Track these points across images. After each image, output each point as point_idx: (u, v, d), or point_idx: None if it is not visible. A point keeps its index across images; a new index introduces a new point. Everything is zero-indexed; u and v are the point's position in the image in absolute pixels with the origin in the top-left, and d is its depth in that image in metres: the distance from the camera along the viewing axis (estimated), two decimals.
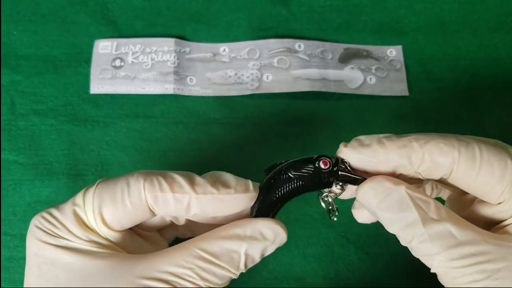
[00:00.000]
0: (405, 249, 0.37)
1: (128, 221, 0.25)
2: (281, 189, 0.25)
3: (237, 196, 0.24)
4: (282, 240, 0.25)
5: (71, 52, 0.41)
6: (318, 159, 0.25)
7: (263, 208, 0.25)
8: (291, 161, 0.25)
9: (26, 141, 0.38)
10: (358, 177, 0.25)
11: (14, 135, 0.38)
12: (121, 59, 0.40)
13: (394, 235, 0.37)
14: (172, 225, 0.29)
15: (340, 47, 0.42)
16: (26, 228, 0.36)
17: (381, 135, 0.26)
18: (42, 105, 0.39)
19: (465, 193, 0.27)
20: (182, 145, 0.39)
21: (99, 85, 0.39)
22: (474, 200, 0.26)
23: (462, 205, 0.26)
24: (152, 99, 0.40)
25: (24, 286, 0.25)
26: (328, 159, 0.25)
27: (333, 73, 0.40)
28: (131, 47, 0.40)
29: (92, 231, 0.25)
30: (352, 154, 0.25)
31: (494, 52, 0.42)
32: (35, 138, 0.38)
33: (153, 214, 0.25)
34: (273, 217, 0.25)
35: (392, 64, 0.41)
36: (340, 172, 0.25)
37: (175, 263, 0.23)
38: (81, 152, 0.38)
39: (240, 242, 0.24)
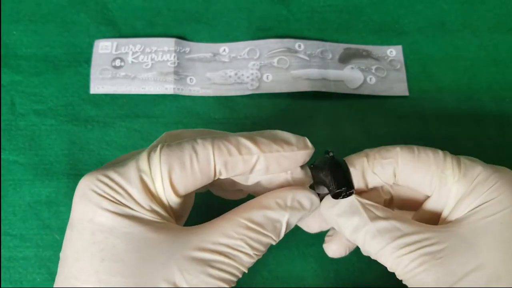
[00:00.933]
0: None
1: (194, 187, 0.25)
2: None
3: (299, 153, 0.26)
4: (317, 207, 0.27)
5: (71, 52, 0.41)
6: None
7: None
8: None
9: (26, 141, 0.38)
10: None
11: (14, 135, 0.38)
12: (121, 59, 0.40)
13: None
14: None
15: (340, 47, 0.42)
16: (26, 228, 0.36)
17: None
18: (42, 105, 0.39)
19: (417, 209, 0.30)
20: None
21: (99, 85, 0.39)
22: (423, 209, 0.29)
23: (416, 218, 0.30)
24: (152, 99, 0.40)
25: (65, 252, 0.24)
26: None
27: (333, 73, 0.40)
28: (131, 47, 0.40)
29: (156, 199, 0.24)
30: None
31: (494, 52, 0.42)
32: (35, 138, 0.38)
33: (214, 178, 0.26)
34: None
35: (392, 64, 0.41)
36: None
37: (226, 234, 0.24)
38: (81, 152, 0.38)
39: (283, 212, 0.26)
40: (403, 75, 0.41)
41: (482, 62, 0.42)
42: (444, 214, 0.27)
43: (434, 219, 0.28)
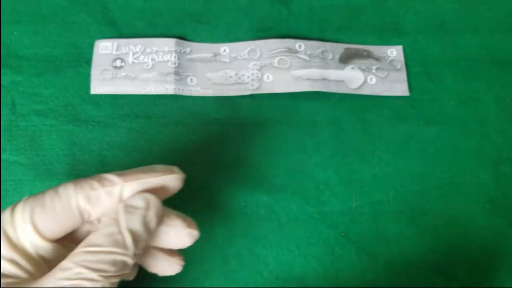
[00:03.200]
0: (405, 249, 0.37)
1: (59, 228, 0.25)
2: None
3: (164, 178, 0.26)
4: (156, 204, 0.25)
5: (72, 52, 0.41)
6: None
7: None
8: None
9: (26, 142, 0.38)
10: None
11: (15, 135, 0.38)
12: (122, 60, 0.40)
13: (394, 235, 0.37)
14: None
15: (340, 47, 0.42)
16: None
17: None
18: (43, 105, 0.39)
19: None
20: (183, 145, 0.39)
21: (99, 86, 0.39)
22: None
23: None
24: (153, 99, 0.40)
25: None
26: None
27: (333, 73, 0.40)
28: (132, 47, 0.40)
29: (18, 249, 0.24)
30: None
31: (494, 52, 0.42)
32: (35, 138, 0.38)
33: (82, 219, 0.25)
34: None
35: (392, 64, 0.41)
36: None
37: (63, 267, 0.23)
38: (81, 153, 0.38)
39: (115, 222, 0.24)
40: (403, 75, 0.41)
41: (482, 62, 0.42)
42: None
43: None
